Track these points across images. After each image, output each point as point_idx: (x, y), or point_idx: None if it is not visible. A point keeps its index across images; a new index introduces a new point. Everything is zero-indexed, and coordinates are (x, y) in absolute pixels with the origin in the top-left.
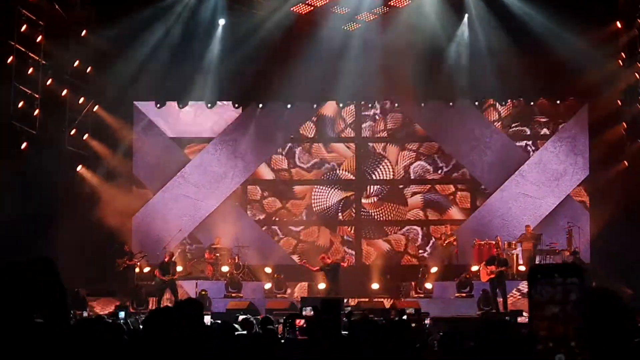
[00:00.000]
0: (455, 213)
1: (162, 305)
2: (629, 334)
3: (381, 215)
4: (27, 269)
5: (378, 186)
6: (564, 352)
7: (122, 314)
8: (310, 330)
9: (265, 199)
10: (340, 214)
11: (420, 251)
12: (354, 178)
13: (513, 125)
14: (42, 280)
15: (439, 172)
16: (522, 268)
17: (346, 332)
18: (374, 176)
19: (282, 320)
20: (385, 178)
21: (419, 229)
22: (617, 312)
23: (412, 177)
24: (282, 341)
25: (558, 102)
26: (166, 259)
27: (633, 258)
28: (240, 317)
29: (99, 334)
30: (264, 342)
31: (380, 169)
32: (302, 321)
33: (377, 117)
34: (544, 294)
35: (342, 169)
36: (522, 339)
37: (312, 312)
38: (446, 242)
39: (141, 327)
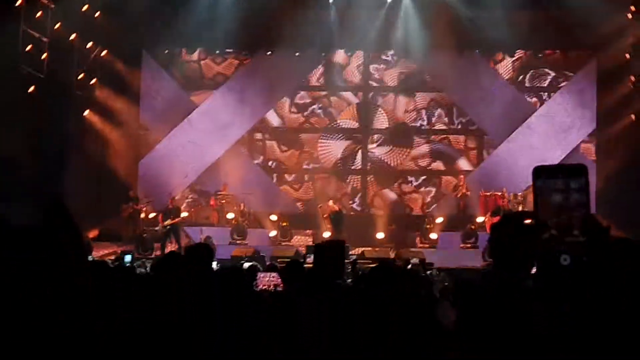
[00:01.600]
0: (462, 164)
1: (166, 251)
2: None
3: (388, 164)
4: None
5: (385, 135)
6: (567, 246)
7: (128, 258)
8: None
9: (272, 147)
10: (346, 162)
11: (431, 206)
12: (360, 126)
13: (521, 77)
14: (54, 220)
15: (447, 122)
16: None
17: (351, 280)
18: (381, 125)
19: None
20: (392, 127)
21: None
22: None
23: (419, 127)
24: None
25: (566, 54)
26: (170, 205)
27: (639, 213)
28: (246, 265)
29: (107, 277)
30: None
31: (388, 117)
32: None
33: (385, 66)
34: (549, 185)
35: (350, 118)
36: (528, 228)
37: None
38: (460, 194)
39: (149, 271)
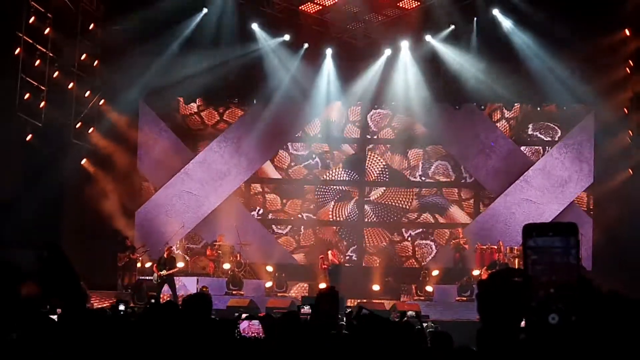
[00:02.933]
0: (458, 217)
1: (161, 301)
2: None
3: (384, 216)
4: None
5: (382, 187)
6: (552, 302)
7: (122, 307)
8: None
9: (269, 197)
10: (343, 213)
11: (427, 259)
12: (358, 178)
13: (518, 130)
14: (52, 267)
15: (444, 175)
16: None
17: (347, 332)
18: (378, 177)
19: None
20: (389, 179)
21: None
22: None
23: (416, 179)
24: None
25: (565, 108)
26: (165, 255)
27: (636, 267)
28: (243, 316)
29: (101, 325)
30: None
31: (385, 170)
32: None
33: (382, 119)
34: (539, 244)
35: (347, 170)
36: (518, 286)
37: (310, 310)
38: (458, 247)
39: (140, 318)
